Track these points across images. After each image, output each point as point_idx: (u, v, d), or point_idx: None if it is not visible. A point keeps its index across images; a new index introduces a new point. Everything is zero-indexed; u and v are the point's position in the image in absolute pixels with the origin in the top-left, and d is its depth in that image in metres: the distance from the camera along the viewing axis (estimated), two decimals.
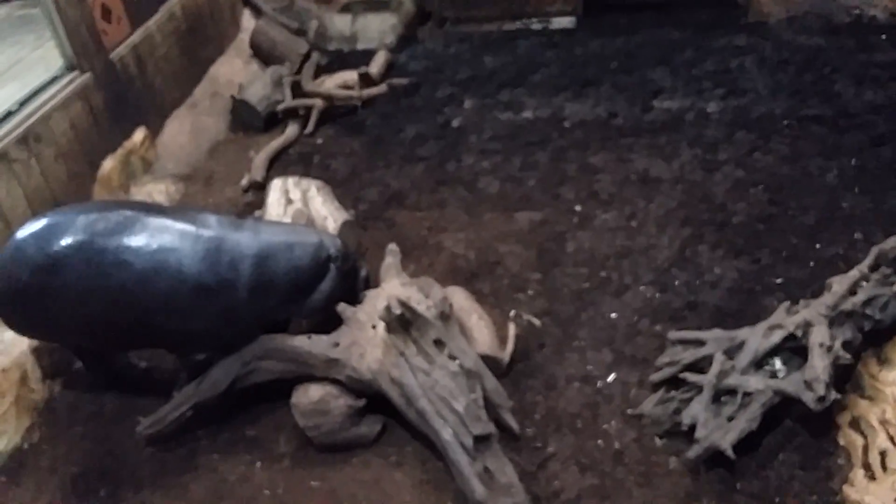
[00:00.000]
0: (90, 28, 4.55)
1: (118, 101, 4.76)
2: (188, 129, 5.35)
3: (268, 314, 3.30)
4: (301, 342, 3.19)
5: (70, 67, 4.49)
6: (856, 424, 2.88)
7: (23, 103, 4.14)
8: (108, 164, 4.60)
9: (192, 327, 3.16)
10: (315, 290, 3.34)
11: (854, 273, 3.15)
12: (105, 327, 3.15)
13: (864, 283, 3.12)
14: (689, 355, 3.12)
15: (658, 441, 3.03)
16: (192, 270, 3.07)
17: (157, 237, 3.08)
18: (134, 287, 3.03)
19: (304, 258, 3.29)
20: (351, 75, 5.72)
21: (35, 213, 3.96)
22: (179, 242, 3.09)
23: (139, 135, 4.90)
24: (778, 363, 2.96)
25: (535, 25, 6.52)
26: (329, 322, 3.29)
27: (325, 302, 3.34)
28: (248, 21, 6.50)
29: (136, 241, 3.05)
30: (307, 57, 6.08)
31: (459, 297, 3.54)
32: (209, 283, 3.09)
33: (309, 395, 3.12)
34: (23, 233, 3.12)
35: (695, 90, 5.30)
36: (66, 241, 3.03)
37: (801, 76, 5.29)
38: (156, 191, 4.72)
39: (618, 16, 6.42)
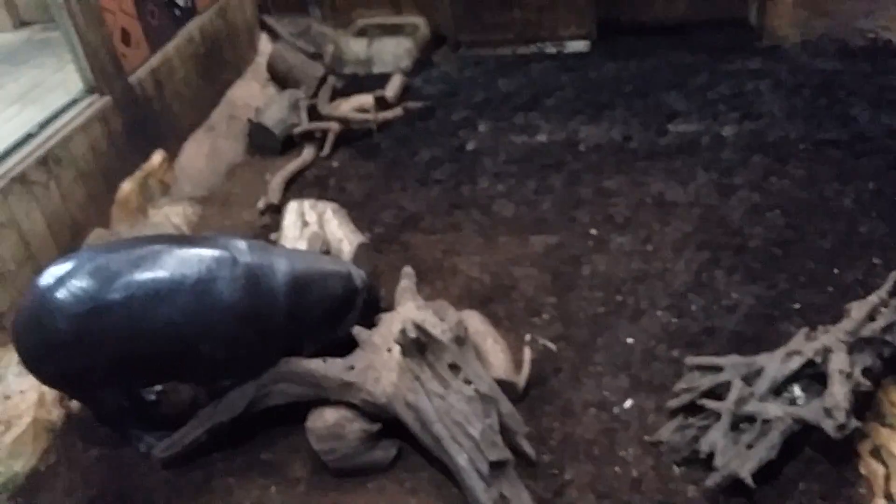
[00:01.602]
0: (110, 52, 4.61)
1: (137, 123, 4.81)
2: (205, 152, 5.39)
3: (300, 342, 3.33)
4: (316, 365, 3.18)
5: (90, 90, 4.54)
6: (877, 453, 2.85)
7: (43, 126, 4.19)
8: (127, 187, 4.63)
9: (232, 355, 3.15)
10: (343, 320, 3.39)
11: (873, 298, 3.13)
12: (146, 365, 3.10)
13: (884, 309, 3.10)
14: (707, 381, 3.10)
15: (676, 469, 3.00)
16: (234, 297, 3.06)
17: (196, 267, 3.05)
18: (181, 319, 3.00)
19: (338, 288, 3.35)
20: (366, 99, 5.76)
21: (54, 235, 4.00)
22: (219, 271, 3.07)
23: (157, 157, 4.93)
24: (797, 390, 2.94)
25: (550, 49, 6.55)
26: (343, 346, 3.30)
27: (348, 332, 3.36)
28: (265, 45, 6.57)
29: (175, 273, 3.02)
30: (323, 80, 6.12)
31: (475, 321, 3.53)
32: (250, 310, 3.10)
33: (324, 418, 3.11)
34: (48, 279, 3.01)
35: (710, 114, 5.31)
36: (102, 282, 2.95)
37: (817, 100, 5.29)
38: (173, 213, 4.74)
39: (632, 39, 6.44)
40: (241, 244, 3.24)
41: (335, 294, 3.35)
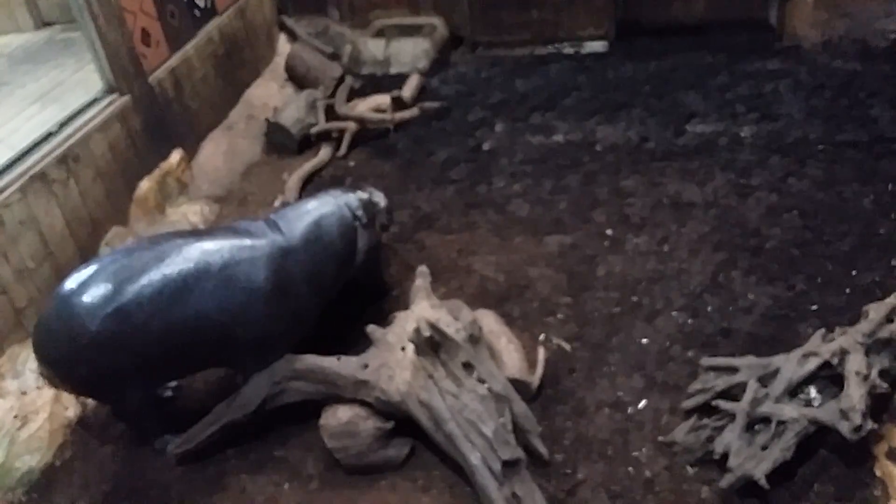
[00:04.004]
0: (130, 52, 4.65)
1: (156, 123, 4.85)
2: (223, 151, 5.42)
3: (325, 296, 3.46)
4: (330, 363, 3.20)
5: (109, 90, 4.59)
6: (893, 455, 2.82)
7: (63, 124, 4.24)
8: (145, 185, 4.68)
9: (267, 334, 3.20)
10: (353, 255, 3.53)
11: (891, 300, 3.11)
12: (180, 356, 3.12)
13: None
14: (722, 382, 3.08)
15: (690, 469, 2.98)
16: (259, 278, 3.13)
17: (219, 254, 3.11)
18: (212, 307, 3.05)
19: (332, 230, 3.44)
20: (383, 99, 5.77)
21: (73, 233, 4.04)
22: (240, 254, 3.14)
23: (175, 156, 4.97)
24: (813, 391, 2.92)
25: (567, 50, 6.54)
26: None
27: (365, 256, 3.57)
28: (283, 45, 6.60)
29: (199, 262, 3.06)
30: (341, 81, 6.14)
31: (489, 321, 3.53)
32: (276, 285, 3.16)
33: (338, 416, 3.12)
34: (72, 284, 3.00)
35: (728, 114, 5.27)
36: (128, 280, 2.97)
37: (837, 101, 5.24)
38: (191, 212, 4.78)
39: (650, 40, 6.41)
40: (256, 225, 3.34)
41: (334, 237, 3.44)
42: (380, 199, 3.76)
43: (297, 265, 3.27)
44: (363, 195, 3.67)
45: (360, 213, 3.54)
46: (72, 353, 3.00)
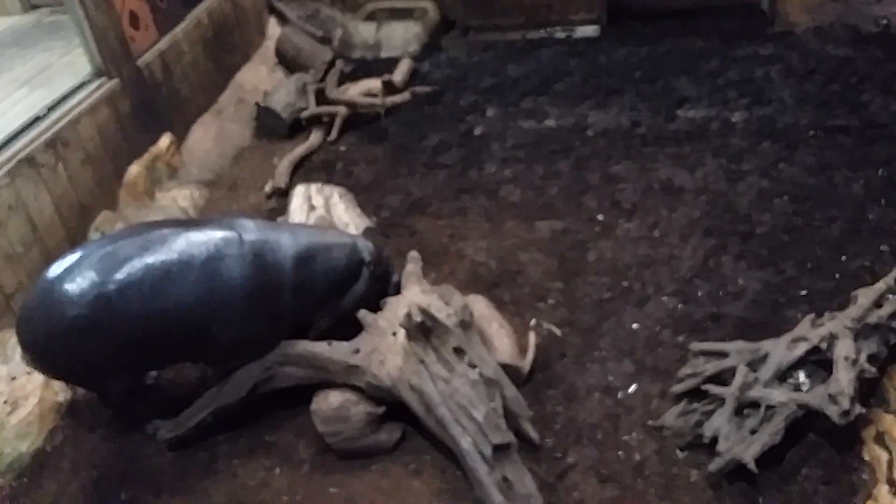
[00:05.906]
0: (118, 35, 4.61)
1: (145, 107, 4.81)
2: (213, 136, 5.39)
3: (306, 315, 3.38)
4: (322, 349, 3.19)
5: (98, 73, 4.55)
6: (881, 439, 2.84)
7: (51, 108, 4.21)
8: (134, 170, 4.65)
9: (243, 334, 3.17)
10: (348, 291, 3.41)
11: (880, 285, 3.12)
12: (157, 347, 3.10)
13: (891, 296, 3.09)
14: (712, 367, 3.10)
15: (679, 453, 3.00)
16: (242, 275, 3.08)
17: (204, 247, 3.07)
18: (191, 300, 3.02)
19: (341, 259, 3.37)
20: (374, 83, 5.74)
21: (61, 218, 4.02)
22: (226, 249, 3.09)
23: (165, 141, 4.94)
24: (802, 376, 2.93)
25: (559, 34, 6.52)
26: (352, 324, 3.31)
27: (356, 303, 3.40)
28: (273, 29, 6.56)
29: (183, 254, 3.03)
30: (331, 64, 6.11)
31: (480, 306, 3.54)
32: (258, 287, 3.12)
33: (329, 401, 3.12)
34: (56, 270, 3.00)
35: (719, 100, 5.27)
36: (110, 268, 2.95)
37: (828, 86, 5.24)
38: (180, 196, 4.75)
39: (642, 25, 6.40)
40: (247, 223, 3.27)
41: (339, 266, 3.36)
42: (396, 274, 3.67)
43: (287, 273, 3.20)
44: (386, 254, 3.61)
45: (369, 259, 3.44)
46: (50, 339, 3.01)
